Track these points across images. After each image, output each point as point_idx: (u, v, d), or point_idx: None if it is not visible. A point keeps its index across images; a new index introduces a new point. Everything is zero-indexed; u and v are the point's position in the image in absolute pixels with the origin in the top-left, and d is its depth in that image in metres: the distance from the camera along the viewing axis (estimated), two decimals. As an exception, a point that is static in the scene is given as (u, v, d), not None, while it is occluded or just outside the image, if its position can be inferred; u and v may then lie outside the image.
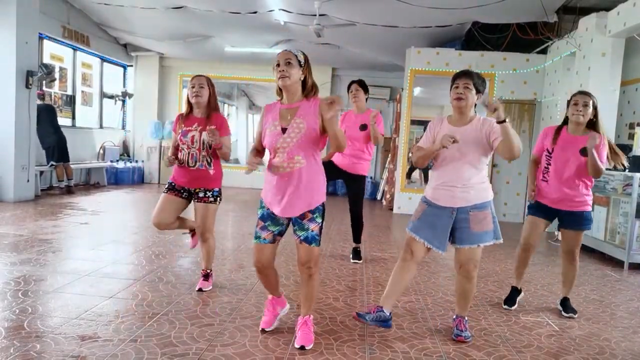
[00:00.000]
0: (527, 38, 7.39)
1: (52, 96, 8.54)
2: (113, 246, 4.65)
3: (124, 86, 10.93)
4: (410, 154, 3.07)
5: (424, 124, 11.26)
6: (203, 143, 3.32)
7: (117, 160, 10.25)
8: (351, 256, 4.74)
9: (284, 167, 2.49)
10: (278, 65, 2.48)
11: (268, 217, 2.60)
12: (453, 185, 2.75)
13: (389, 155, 9.71)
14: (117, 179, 10.00)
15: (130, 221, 6.15)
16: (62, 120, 8.87)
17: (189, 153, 3.33)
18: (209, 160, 3.36)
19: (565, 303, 3.52)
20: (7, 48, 6.69)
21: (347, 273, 4.21)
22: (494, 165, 8.01)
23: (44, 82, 7.61)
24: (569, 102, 3.39)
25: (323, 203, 2.59)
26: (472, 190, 2.74)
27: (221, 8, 7.48)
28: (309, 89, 2.56)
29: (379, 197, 10.58)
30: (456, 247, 2.85)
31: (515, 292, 3.63)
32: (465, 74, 2.77)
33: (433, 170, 2.89)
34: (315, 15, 6.95)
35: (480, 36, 7.90)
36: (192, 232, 3.77)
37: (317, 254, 2.58)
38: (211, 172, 3.37)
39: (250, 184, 11.04)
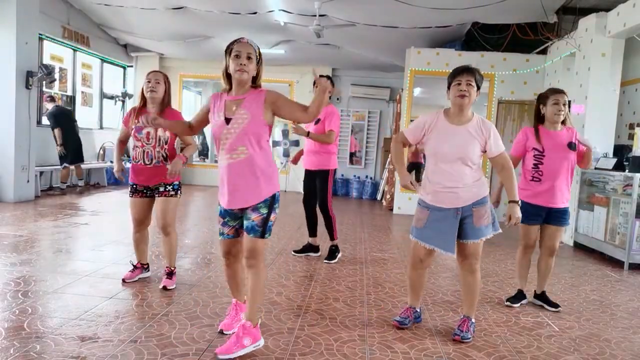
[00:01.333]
0: (527, 38, 7.40)
1: (52, 96, 8.54)
2: (113, 246, 4.65)
3: (124, 87, 10.93)
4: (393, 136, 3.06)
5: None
6: (160, 139, 3.32)
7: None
8: (326, 257, 4.61)
9: (228, 157, 2.43)
10: (237, 56, 2.41)
11: (226, 213, 2.53)
12: (455, 186, 2.75)
13: (389, 155, 9.72)
14: (117, 180, 9.97)
15: (130, 222, 6.13)
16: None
17: (143, 151, 3.33)
18: (164, 155, 3.36)
19: (546, 297, 3.62)
20: (7, 48, 6.70)
21: (347, 273, 4.21)
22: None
23: (44, 83, 7.62)
24: (544, 100, 3.42)
25: (273, 195, 2.48)
26: (473, 189, 2.77)
27: (221, 8, 7.48)
28: (258, 84, 2.54)
29: (379, 198, 10.58)
30: (460, 243, 2.85)
31: (521, 295, 3.67)
32: (467, 70, 2.74)
33: (430, 173, 2.84)
34: (315, 15, 6.95)
35: (480, 36, 7.90)
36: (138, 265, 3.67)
37: (257, 246, 2.46)
38: (168, 167, 3.32)
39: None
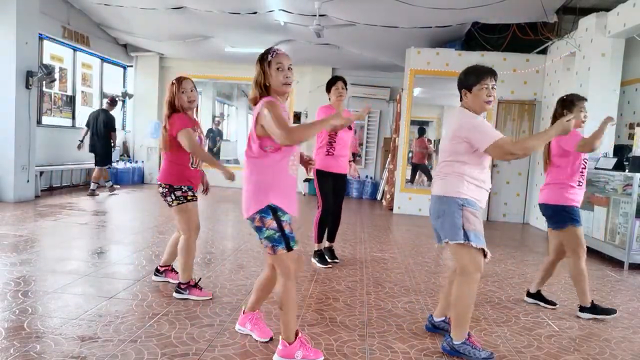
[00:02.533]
0: (527, 38, 7.39)
1: (52, 96, 8.54)
2: (113, 246, 4.65)
3: (124, 86, 10.93)
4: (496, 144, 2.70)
5: (423, 124, 11.28)
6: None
7: (117, 161, 10.25)
8: (326, 257, 4.53)
9: (295, 169, 2.46)
10: (283, 68, 2.34)
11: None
12: (490, 186, 2.70)
13: (389, 155, 9.72)
14: (117, 180, 9.99)
15: (130, 221, 6.15)
16: (62, 121, 8.89)
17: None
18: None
19: (542, 295, 3.65)
20: (7, 48, 6.70)
21: (347, 273, 4.21)
22: (494, 166, 8.02)
23: (44, 83, 7.62)
24: (571, 105, 3.35)
25: (268, 206, 2.34)
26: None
27: (221, 8, 7.48)
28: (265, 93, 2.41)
29: (379, 198, 10.58)
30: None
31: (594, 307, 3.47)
32: (494, 73, 2.59)
33: (477, 174, 2.59)
34: (315, 15, 6.95)
35: (480, 36, 7.90)
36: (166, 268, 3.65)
37: (279, 256, 2.35)
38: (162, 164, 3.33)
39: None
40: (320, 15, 6.99)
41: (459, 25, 7.63)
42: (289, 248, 2.36)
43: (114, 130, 8.37)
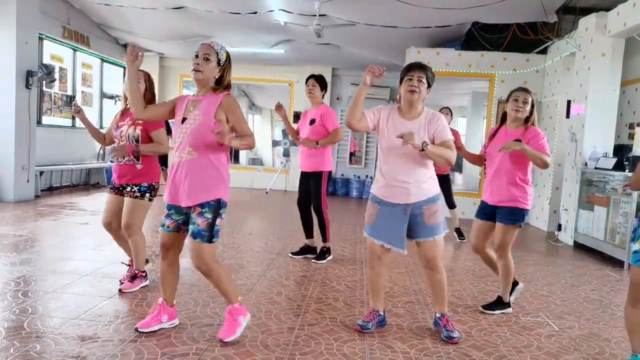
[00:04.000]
0: (527, 38, 7.39)
1: (52, 96, 8.54)
2: (113, 246, 4.64)
3: (124, 86, 10.92)
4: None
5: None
6: (129, 137, 3.30)
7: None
8: (316, 256, 4.61)
9: (178, 155, 2.54)
10: (197, 56, 2.53)
11: (172, 206, 2.61)
12: (406, 181, 2.75)
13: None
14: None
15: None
16: (62, 121, 8.88)
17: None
18: (136, 154, 3.32)
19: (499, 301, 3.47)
20: (7, 48, 6.70)
21: (347, 273, 4.21)
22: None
23: (44, 83, 7.62)
24: (507, 98, 3.39)
25: (218, 200, 2.53)
26: (424, 185, 2.79)
27: (221, 8, 7.47)
28: (222, 87, 2.60)
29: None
30: (417, 242, 2.85)
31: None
32: (420, 67, 2.77)
33: (381, 166, 2.84)
34: (315, 15, 6.95)
35: (480, 36, 7.90)
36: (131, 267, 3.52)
37: (204, 250, 2.51)
38: (138, 166, 3.32)
39: (250, 184, 11.05)
40: (320, 15, 6.99)
41: (459, 25, 7.62)
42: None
43: (170, 132, 8.33)
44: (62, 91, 8.85)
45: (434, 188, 2.83)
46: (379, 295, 2.99)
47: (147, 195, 3.35)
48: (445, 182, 6.16)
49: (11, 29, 6.66)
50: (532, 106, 3.29)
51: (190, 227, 2.52)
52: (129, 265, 3.50)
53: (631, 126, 6.92)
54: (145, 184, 3.34)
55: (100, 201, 7.63)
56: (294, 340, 2.69)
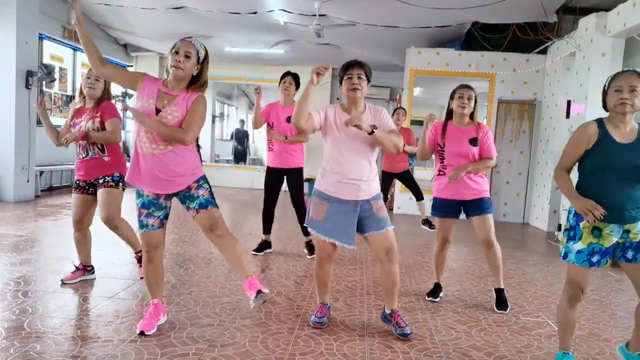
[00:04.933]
0: (527, 38, 7.39)
1: (52, 96, 8.54)
2: (113, 246, 4.64)
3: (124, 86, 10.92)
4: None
5: (423, 124, 11.27)
6: (88, 130, 3.28)
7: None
8: (306, 251, 4.72)
9: (154, 148, 2.53)
10: (176, 52, 2.51)
11: (150, 204, 2.62)
12: (358, 179, 2.75)
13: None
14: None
15: (130, 221, 6.13)
16: (62, 121, 8.86)
17: (79, 145, 3.34)
18: (100, 147, 3.34)
19: (499, 296, 3.51)
20: (7, 48, 6.70)
21: (347, 273, 4.21)
22: (494, 165, 8.01)
23: (44, 83, 7.62)
24: (452, 95, 3.47)
25: (203, 175, 2.67)
26: (373, 183, 2.83)
27: (221, 8, 7.48)
28: (199, 84, 2.62)
29: (379, 197, 10.57)
30: (368, 236, 2.83)
31: (437, 287, 3.68)
32: (357, 64, 2.78)
33: (330, 163, 2.80)
34: (315, 15, 6.95)
35: (480, 36, 7.90)
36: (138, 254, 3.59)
37: (217, 215, 2.64)
38: (105, 158, 3.35)
39: (250, 185, 11.04)
40: (320, 15, 6.99)
41: (459, 25, 7.62)
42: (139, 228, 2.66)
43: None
44: (62, 91, 8.86)
45: (378, 187, 2.91)
46: (326, 289, 3.02)
47: (120, 184, 3.40)
48: (408, 177, 6.31)
49: (11, 29, 6.66)
50: (475, 102, 3.41)
51: (196, 201, 2.61)
52: (77, 268, 3.51)
53: (631, 126, 6.91)
54: (117, 174, 3.39)
55: (100, 201, 7.63)
56: (294, 340, 2.69)
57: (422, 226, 6.16)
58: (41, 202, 7.05)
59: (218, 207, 2.67)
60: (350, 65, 2.78)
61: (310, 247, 4.67)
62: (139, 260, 3.46)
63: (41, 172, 7.91)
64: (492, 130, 7.78)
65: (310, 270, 4.22)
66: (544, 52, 7.86)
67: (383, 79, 10.84)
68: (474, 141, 3.38)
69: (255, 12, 7.49)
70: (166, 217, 2.70)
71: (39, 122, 7.70)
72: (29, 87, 6.94)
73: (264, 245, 4.78)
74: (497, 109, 8.13)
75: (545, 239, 6.74)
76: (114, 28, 9.53)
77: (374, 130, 2.64)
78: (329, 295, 3.07)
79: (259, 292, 2.52)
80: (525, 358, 2.69)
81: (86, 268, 3.56)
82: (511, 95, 8.10)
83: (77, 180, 3.42)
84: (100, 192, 3.34)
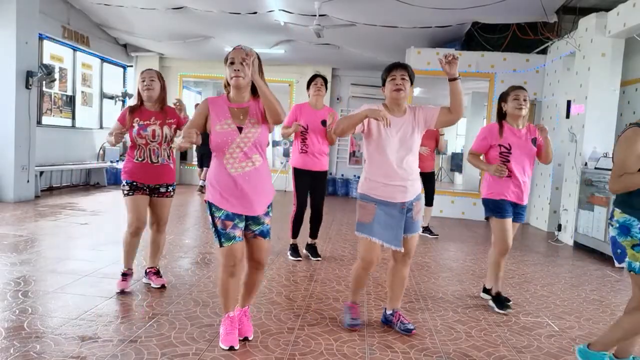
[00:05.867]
0: (527, 38, 7.39)
1: (52, 96, 8.54)
2: (113, 246, 4.64)
3: (124, 86, 10.93)
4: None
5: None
6: (166, 137, 3.31)
7: (117, 161, 10.24)
8: (309, 253, 4.69)
9: (243, 167, 2.45)
10: (232, 63, 2.43)
11: (234, 216, 2.46)
12: (405, 179, 2.77)
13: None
14: (117, 180, 9.98)
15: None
16: (62, 121, 8.88)
17: (149, 149, 3.30)
18: (168, 154, 3.37)
19: (499, 297, 3.49)
20: (7, 48, 6.70)
21: (347, 273, 4.21)
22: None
23: (44, 83, 7.62)
24: (505, 97, 3.49)
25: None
26: (416, 183, 2.85)
27: (221, 8, 7.47)
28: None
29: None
30: (404, 238, 2.86)
31: (500, 296, 3.51)
32: (401, 66, 2.84)
33: (376, 167, 2.79)
34: (315, 15, 6.95)
35: (480, 36, 7.90)
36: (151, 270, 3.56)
37: (270, 247, 2.63)
38: (172, 166, 3.40)
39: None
40: (320, 15, 6.99)
41: (459, 25, 7.62)
42: (220, 244, 2.47)
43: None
44: (62, 91, 8.86)
45: (420, 185, 2.93)
46: (363, 289, 3.11)
47: (174, 192, 3.50)
48: (432, 179, 6.25)
49: (11, 29, 6.66)
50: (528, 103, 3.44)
51: (259, 227, 2.53)
52: (126, 273, 3.42)
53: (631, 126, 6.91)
54: (175, 183, 3.49)
55: (100, 201, 7.63)
56: (294, 340, 2.69)
57: (422, 233, 6.07)
58: (41, 202, 7.05)
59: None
60: (394, 67, 2.83)
61: (313, 249, 4.69)
62: (157, 273, 3.51)
63: (41, 172, 7.90)
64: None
65: (311, 271, 4.22)
66: (544, 52, 7.86)
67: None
68: (534, 141, 3.41)
69: (255, 12, 7.49)
70: (246, 228, 2.56)
71: (39, 122, 7.73)
72: (29, 87, 6.94)
73: (298, 249, 4.69)
74: (497, 109, 8.12)
75: (545, 239, 6.74)
76: (114, 28, 9.53)
77: (456, 78, 2.71)
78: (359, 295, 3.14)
79: (245, 338, 2.62)
80: (525, 358, 2.69)
81: (131, 270, 3.48)
82: (511, 95, 8.09)
83: (134, 182, 3.31)
84: (161, 201, 3.41)
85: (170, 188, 3.44)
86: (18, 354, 2.31)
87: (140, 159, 3.30)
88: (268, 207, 2.56)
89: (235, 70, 2.41)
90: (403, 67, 2.83)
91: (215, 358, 2.42)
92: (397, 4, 6.48)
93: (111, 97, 10.52)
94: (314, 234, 4.72)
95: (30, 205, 6.71)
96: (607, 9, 6.13)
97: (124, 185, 3.33)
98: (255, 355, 2.47)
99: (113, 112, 10.63)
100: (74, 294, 3.23)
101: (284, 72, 10.90)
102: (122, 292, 3.30)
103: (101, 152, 10.01)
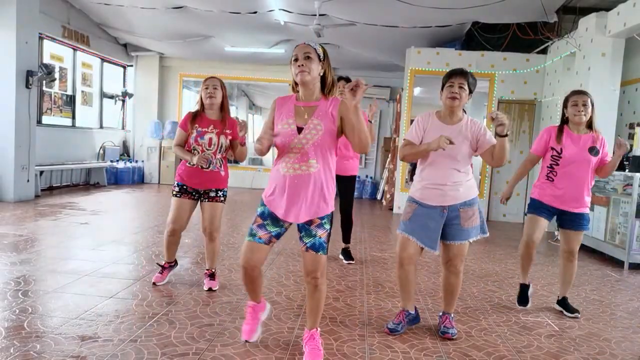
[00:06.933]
0: (527, 38, 7.39)
1: (52, 96, 8.54)
2: (113, 246, 4.65)
3: (124, 86, 10.93)
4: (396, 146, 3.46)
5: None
6: (222, 146, 3.36)
7: (117, 160, 10.26)
8: (343, 257, 4.69)
9: (296, 169, 2.30)
10: (296, 59, 2.32)
11: (268, 216, 2.37)
12: (443, 184, 2.76)
13: (389, 155, 9.71)
14: (117, 179, 10.00)
15: (130, 221, 6.15)
16: (62, 121, 8.88)
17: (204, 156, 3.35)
18: (221, 162, 3.42)
19: (566, 303, 3.51)
20: (7, 48, 6.70)
21: (347, 273, 4.21)
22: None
23: (44, 83, 7.62)
24: (566, 102, 3.40)
25: (331, 213, 2.40)
26: (461, 188, 2.78)
27: (221, 8, 7.48)
28: (328, 85, 2.40)
29: (379, 197, 10.58)
30: (445, 244, 2.87)
31: (525, 288, 3.60)
32: (461, 73, 2.77)
33: (420, 169, 2.89)
34: (316, 15, 6.95)
35: (480, 36, 7.90)
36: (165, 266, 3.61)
37: (324, 262, 2.37)
38: (222, 173, 3.44)
39: (250, 184, 11.04)
40: (320, 15, 6.99)
41: (459, 25, 7.63)
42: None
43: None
44: (62, 91, 8.86)
45: (472, 192, 2.83)
46: (409, 293, 2.94)
47: (225, 199, 3.51)
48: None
49: (11, 29, 6.66)
50: (592, 107, 3.28)
51: (311, 240, 2.33)
52: (164, 267, 3.57)
53: (631, 126, 6.92)
54: (226, 189, 3.49)
55: (100, 201, 7.63)
56: (294, 340, 2.69)
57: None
58: (41, 202, 7.04)
59: (327, 254, 2.41)
60: (454, 74, 2.77)
61: (347, 253, 4.68)
62: (210, 276, 3.54)
63: (41, 172, 7.91)
64: (492, 131, 7.77)
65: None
66: (544, 52, 7.86)
67: (383, 79, 10.84)
68: (593, 150, 3.25)
69: (255, 12, 7.49)
70: (278, 236, 2.41)
71: (39, 122, 7.73)
72: (29, 86, 6.94)
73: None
74: (497, 109, 8.13)
75: (545, 239, 6.73)
76: (114, 28, 9.53)
77: (507, 134, 2.62)
78: (412, 302, 2.98)
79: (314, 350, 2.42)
80: (525, 358, 2.68)
81: (171, 264, 3.60)
82: (511, 95, 8.10)
83: (185, 185, 3.38)
84: (211, 205, 3.42)
85: (221, 193, 3.44)
86: (18, 354, 2.31)
87: (190, 164, 3.35)
88: (323, 219, 2.35)
89: (299, 66, 2.31)
90: (463, 75, 2.75)
91: (215, 358, 2.42)
92: (397, 4, 6.48)
93: (111, 97, 10.52)
94: (346, 238, 4.71)
95: (30, 205, 6.71)
96: (607, 9, 6.13)
97: (174, 186, 3.43)
98: (255, 355, 2.47)
99: (113, 112, 10.65)
100: (74, 293, 3.23)
101: (284, 72, 10.87)
102: (155, 285, 3.47)
103: (101, 151, 10.02)
